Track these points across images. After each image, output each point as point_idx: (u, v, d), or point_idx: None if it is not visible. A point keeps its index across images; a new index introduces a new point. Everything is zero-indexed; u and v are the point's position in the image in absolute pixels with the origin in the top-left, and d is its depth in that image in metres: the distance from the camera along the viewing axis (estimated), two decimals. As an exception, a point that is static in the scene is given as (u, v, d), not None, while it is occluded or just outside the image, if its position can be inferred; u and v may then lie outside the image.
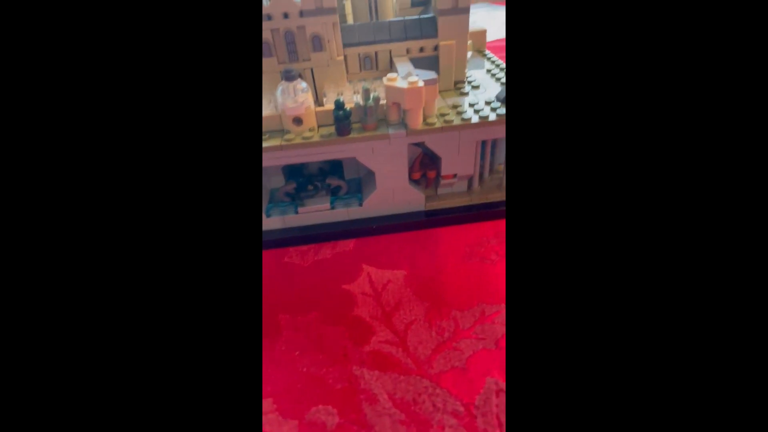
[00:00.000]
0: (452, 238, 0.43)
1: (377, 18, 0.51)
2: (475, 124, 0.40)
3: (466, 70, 0.50)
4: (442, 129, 0.40)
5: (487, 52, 0.58)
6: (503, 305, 0.35)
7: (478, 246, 0.41)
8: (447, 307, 0.35)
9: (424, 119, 0.40)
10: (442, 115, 0.41)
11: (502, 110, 0.40)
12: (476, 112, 0.41)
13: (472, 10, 1.67)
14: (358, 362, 0.31)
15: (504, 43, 1.05)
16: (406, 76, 0.38)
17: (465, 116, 0.40)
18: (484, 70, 0.52)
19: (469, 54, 0.60)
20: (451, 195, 0.46)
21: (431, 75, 0.39)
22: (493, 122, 0.40)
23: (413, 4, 0.56)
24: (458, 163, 0.42)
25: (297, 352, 0.33)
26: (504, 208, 0.45)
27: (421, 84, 0.37)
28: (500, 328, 0.33)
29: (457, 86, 0.47)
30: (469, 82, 0.48)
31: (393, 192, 0.43)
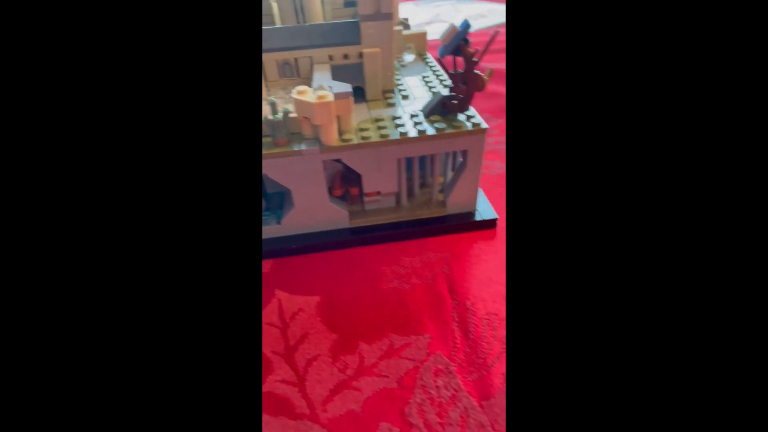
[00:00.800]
0: (376, 259, 0.41)
1: (304, 20, 0.47)
2: (395, 141, 0.38)
3: (396, 78, 0.48)
4: (359, 146, 0.37)
5: (428, 56, 0.56)
6: (413, 337, 0.33)
7: (401, 268, 0.39)
8: (355, 338, 0.33)
9: (341, 135, 0.38)
10: (362, 129, 0.38)
11: (425, 126, 0.38)
12: (397, 127, 0.39)
13: (436, 3, 1.62)
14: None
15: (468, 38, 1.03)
16: (317, 89, 0.36)
17: (384, 132, 0.38)
18: (420, 77, 0.49)
19: (411, 58, 0.58)
20: (379, 211, 0.44)
21: (345, 87, 0.36)
22: (413, 139, 0.38)
23: (347, 4, 0.53)
24: (380, 180, 0.40)
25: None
26: (434, 225, 0.43)
27: (331, 98, 0.35)
28: (406, 364, 0.31)
29: (386, 96, 0.45)
30: (401, 91, 0.46)
31: (313, 209, 0.41)
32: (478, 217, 0.43)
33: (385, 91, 0.45)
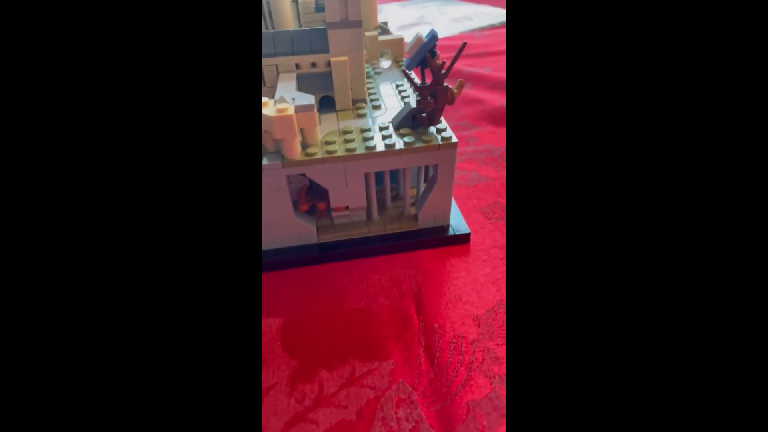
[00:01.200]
0: (344, 276, 0.39)
1: (273, 26, 0.46)
2: (362, 155, 0.36)
3: (370, 86, 0.46)
4: (324, 160, 0.36)
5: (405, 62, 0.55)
6: (376, 363, 0.31)
7: (369, 286, 0.38)
8: (316, 365, 0.32)
9: (305, 148, 0.36)
10: (328, 142, 0.37)
11: (393, 139, 0.37)
12: (365, 140, 0.37)
13: (421, 5, 1.60)
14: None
15: (451, 42, 1.02)
16: (278, 101, 0.34)
17: (350, 146, 0.36)
18: (394, 86, 0.48)
19: (387, 64, 0.56)
20: (348, 225, 0.42)
21: (308, 99, 0.34)
22: (381, 153, 0.36)
23: (318, 9, 0.52)
24: (347, 195, 0.39)
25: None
26: (405, 240, 0.41)
27: (292, 111, 0.33)
28: (367, 393, 0.30)
29: (357, 105, 0.43)
30: (372, 101, 0.44)
31: (278, 225, 0.39)
32: (451, 232, 0.42)
33: (356, 101, 0.44)
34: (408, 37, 1.08)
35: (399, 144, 0.36)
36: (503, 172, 0.53)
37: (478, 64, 0.86)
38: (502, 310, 0.35)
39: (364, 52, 0.56)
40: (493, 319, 0.34)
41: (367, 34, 0.54)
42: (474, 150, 0.58)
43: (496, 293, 0.36)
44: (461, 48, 0.32)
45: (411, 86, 0.36)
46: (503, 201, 0.48)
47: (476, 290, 0.37)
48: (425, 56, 0.33)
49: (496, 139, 0.60)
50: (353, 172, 0.37)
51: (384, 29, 0.64)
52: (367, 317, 0.35)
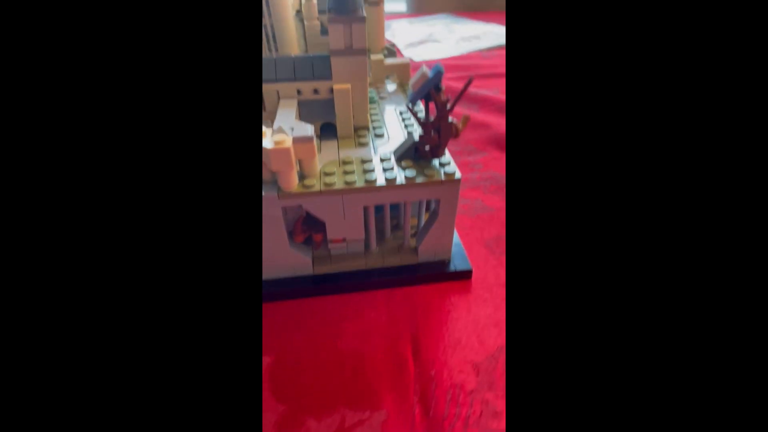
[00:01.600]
0: (339, 311, 0.38)
1: (276, 49, 0.45)
2: (361, 189, 0.35)
3: (373, 112, 0.45)
4: (321, 193, 0.34)
5: (408, 95, 0.54)
6: (367, 412, 0.30)
7: (364, 323, 0.36)
8: (304, 412, 0.30)
9: (302, 179, 0.35)
10: (326, 174, 0.36)
11: (394, 173, 0.35)
12: (365, 172, 0.36)
13: (430, 22, 1.60)
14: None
15: (459, 62, 1.01)
16: (276, 132, 0.33)
17: (348, 179, 0.35)
18: (398, 113, 0.47)
19: (393, 88, 0.55)
20: (346, 257, 0.41)
21: (306, 131, 0.33)
22: (381, 188, 0.35)
23: (324, 32, 0.51)
24: (345, 228, 0.37)
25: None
26: (404, 275, 0.40)
27: (289, 143, 0.32)
28: (356, 447, 0.28)
29: (359, 133, 0.42)
30: (375, 128, 0.43)
31: (272, 256, 0.38)
32: (452, 268, 0.41)
33: (358, 128, 0.43)
34: (416, 56, 1.08)
35: (400, 178, 0.35)
36: (508, 203, 0.51)
37: (486, 85, 0.85)
38: (503, 356, 0.33)
39: (369, 78, 0.55)
40: (494, 367, 0.32)
41: (372, 57, 0.53)
42: (479, 177, 0.56)
43: (497, 337, 0.35)
44: (467, 84, 0.31)
45: (415, 121, 0.34)
46: (507, 233, 0.46)
47: (477, 333, 0.35)
48: (430, 91, 0.32)
49: (501, 165, 0.59)
50: (351, 206, 0.36)
51: (390, 50, 0.63)
52: (361, 358, 0.33)
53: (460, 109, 0.75)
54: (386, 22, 1.31)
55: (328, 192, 0.35)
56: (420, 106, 0.37)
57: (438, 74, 0.31)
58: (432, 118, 0.34)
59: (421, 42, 1.12)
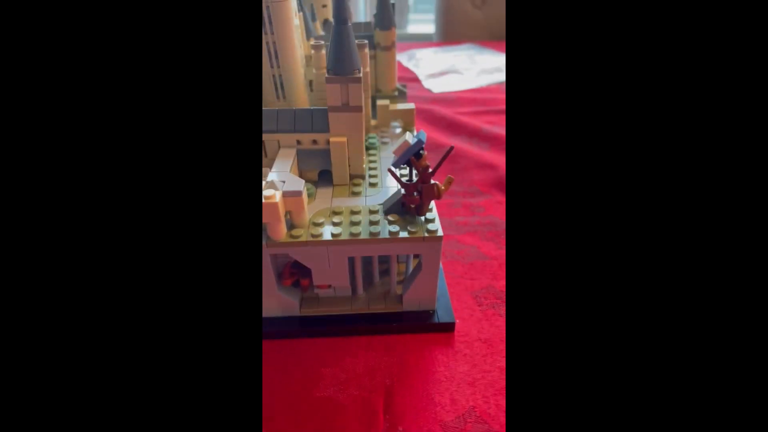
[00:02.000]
0: (319, 356, 0.39)
1: (284, 96, 0.48)
2: (346, 241, 0.36)
3: (372, 159, 0.47)
4: (307, 243, 0.36)
5: (412, 133, 0.55)
6: (331, 466, 0.31)
7: (342, 371, 0.37)
8: (271, 458, 0.31)
9: (291, 230, 0.37)
10: (315, 224, 0.37)
11: (379, 227, 0.37)
12: (352, 224, 0.37)
13: (454, 52, 1.60)
14: None
15: (476, 94, 1.02)
16: (266, 185, 0.35)
17: (335, 231, 0.36)
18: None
19: (397, 131, 0.57)
20: (332, 300, 0.42)
21: (297, 185, 0.35)
22: (365, 240, 0.36)
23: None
24: (330, 275, 0.39)
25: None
26: (388, 322, 0.41)
27: (278, 198, 0.34)
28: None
29: (354, 182, 0.44)
30: (371, 176, 0.45)
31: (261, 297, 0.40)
32: (436, 319, 0.41)
33: (354, 176, 0.44)
34: (435, 87, 1.09)
35: (384, 232, 0.36)
36: (503, 251, 0.51)
37: (500, 122, 0.85)
38: (472, 418, 0.33)
39: (374, 122, 0.57)
40: (461, 429, 0.33)
41: (379, 102, 0.55)
42: (478, 221, 0.57)
43: (470, 397, 0.35)
44: (448, 152, 0.32)
45: (398, 183, 0.36)
46: (498, 284, 0.46)
47: (450, 391, 0.35)
48: (410, 159, 0.33)
49: (503, 210, 0.59)
50: (336, 256, 0.37)
51: (401, 91, 0.65)
52: (334, 409, 0.34)
53: (471, 149, 0.76)
54: (411, 51, 1.34)
55: (314, 243, 0.36)
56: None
57: (418, 143, 0.33)
58: (414, 179, 0.36)
59: (443, 73, 1.14)
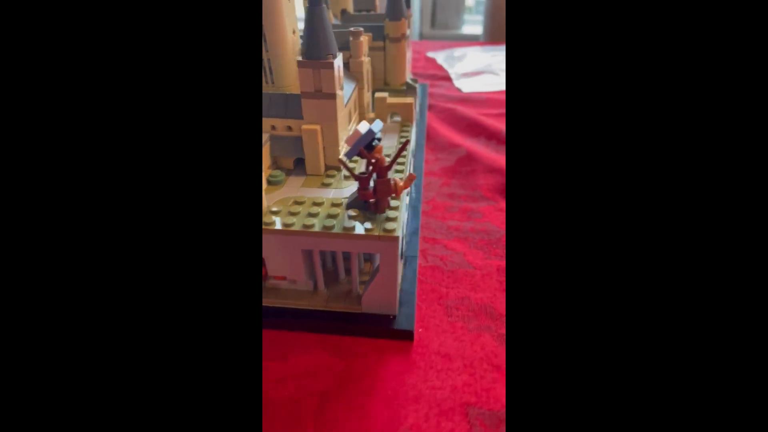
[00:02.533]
0: (271, 348, 0.37)
1: (273, 81, 0.47)
2: (298, 232, 0.35)
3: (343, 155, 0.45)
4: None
5: (407, 127, 0.52)
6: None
7: (286, 367, 0.35)
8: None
9: (246, 215, 0.36)
10: (272, 212, 0.36)
11: (334, 222, 0.34)
12: (309, 216, 0.36)
13: (493, 51, 1.54)
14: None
15: (501, 96, 0.96)
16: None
17: (287, 221, 0.35)
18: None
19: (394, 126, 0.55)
20: (293, 293, 0.40)
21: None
22: (316, 234, 0.34)
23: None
24: (284, 266, 0.37)
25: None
26: (346, 322, 0.39)
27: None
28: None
29: (328, 173, 0.42)
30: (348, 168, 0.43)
31: (220, 282, 0.39)
32: (395, 325, 0.38)
33: (329, 167, 0.43)
34: (465, 87, 1.05)
35: (338, 227, 0.34)
36: (490, 261, 0.47)
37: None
38: (406, 439, 0.30)
39: (372, 114, 0.55)
40: (391, 449, 0.30)
41: (377, 95, 0.53)
42: (471, 228, 0.53)
43: (408, 416, 0.32)
44: (404, 145, 0.30)
45: (350, 174, 0.34)
46: (475, 297, 0.42)
47: (391, 406, 0.33)
48: (360, 150, 0.31)
49: (503, 218, 0.55)
50: (287, 247, 0.36)
51: (411, 86, 0.62)
52: (265, 409, 0.33)
53: (486, 151, 0.72)
54: (450, 50, 1.30)
55: (265, 231, 0.35)
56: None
57: (370, 133, 0.30)
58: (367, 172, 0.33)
59: (474, 73, 1.09)
